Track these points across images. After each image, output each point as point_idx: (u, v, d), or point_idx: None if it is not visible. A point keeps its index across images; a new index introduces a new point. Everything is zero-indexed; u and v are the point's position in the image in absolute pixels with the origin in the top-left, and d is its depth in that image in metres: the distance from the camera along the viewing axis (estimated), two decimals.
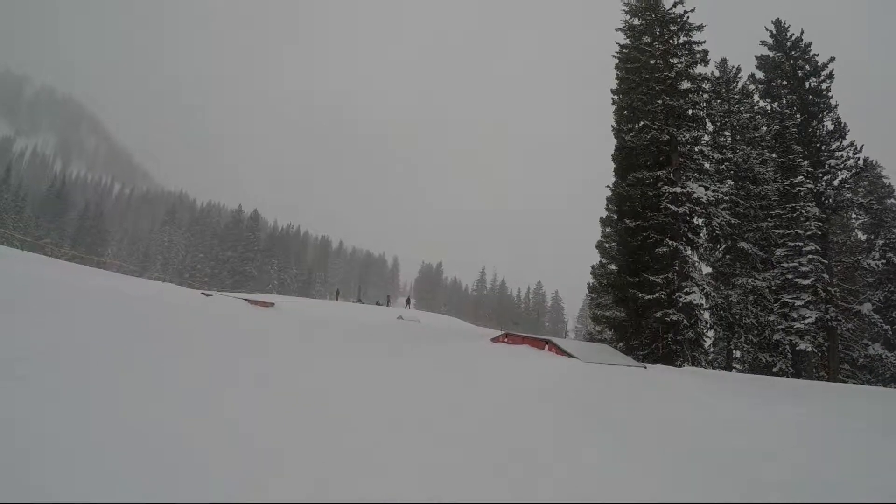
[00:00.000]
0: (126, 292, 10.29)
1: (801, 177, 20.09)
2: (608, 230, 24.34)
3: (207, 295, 20.01)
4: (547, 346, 13.08)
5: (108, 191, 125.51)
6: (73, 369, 3.73)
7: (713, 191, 18.11)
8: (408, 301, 53.66)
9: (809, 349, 18.88)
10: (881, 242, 25.82)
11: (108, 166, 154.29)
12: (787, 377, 18.30)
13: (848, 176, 21.28)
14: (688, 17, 19.84)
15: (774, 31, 23.14)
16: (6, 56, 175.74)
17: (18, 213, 57.94)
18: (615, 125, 19.26)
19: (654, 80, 18.76)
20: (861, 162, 21.42)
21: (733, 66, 22.69)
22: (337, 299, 46.35)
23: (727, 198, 19.09)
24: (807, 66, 22.34)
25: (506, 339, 14.94)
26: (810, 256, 19.03)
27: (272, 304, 20.29)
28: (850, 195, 21.82)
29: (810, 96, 22.00)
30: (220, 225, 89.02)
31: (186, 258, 75.90)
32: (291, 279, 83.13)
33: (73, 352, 4.29)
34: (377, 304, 48.60)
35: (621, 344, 17.88)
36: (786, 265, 19.26)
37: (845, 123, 21.80)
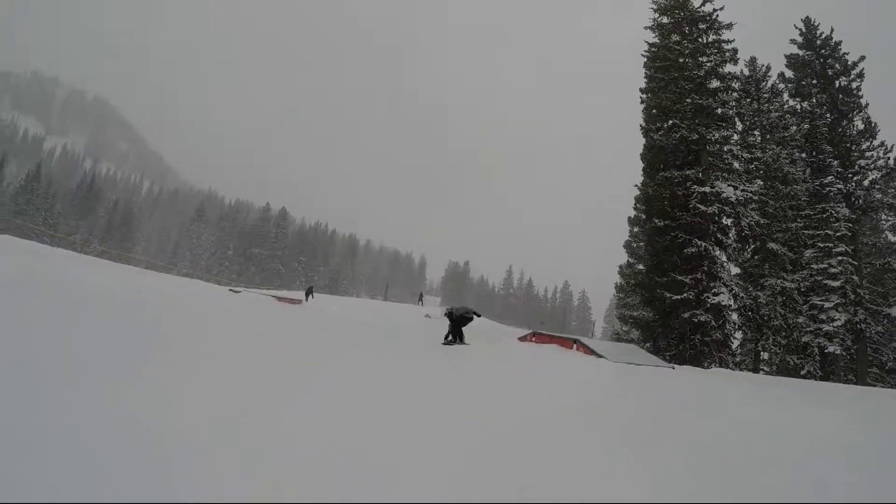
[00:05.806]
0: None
1: (831, 177, 19.80)
2: (636, 230, 24.25)
3: (236, 291, 20.36)
4: (575, 346, 13.02)
5: (137, 189, 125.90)
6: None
7: (742, 190, 17.93)
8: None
9: (838, 352, 18.65)
10: None
11: (137, 166, 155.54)
12: (815, 379, 18.11)
13: (878, 176, 20.89)
14: (717, 16, 19.62)
15: (804, 30, 22.80)
16: (37, 58, 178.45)
17: (49, 209, 58.70)
18: (643, 124, 19.13)
19: (683, 79, 18.60)
20: (892, 162, 21.02)
21: (763, 65, 22.37)
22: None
23: (756, 198, 18.87)
24: (836, 65, 22.01)
25: (533, 339, 14.92)
26: (840, 258, 18.76)
27: (300, 301, 20.60)
28: (880, 196, 21.41)
29: (840, 95, 21.65)
30: (248, 222, 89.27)
31: (215, 255, 76.19)
32: (319, 277, 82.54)
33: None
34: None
35: (648, 344, 17.80)
36: (815, 266, 19.02)
37: (875, 123, 21.43)
